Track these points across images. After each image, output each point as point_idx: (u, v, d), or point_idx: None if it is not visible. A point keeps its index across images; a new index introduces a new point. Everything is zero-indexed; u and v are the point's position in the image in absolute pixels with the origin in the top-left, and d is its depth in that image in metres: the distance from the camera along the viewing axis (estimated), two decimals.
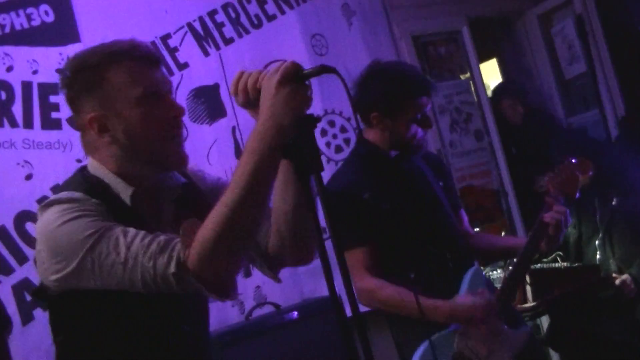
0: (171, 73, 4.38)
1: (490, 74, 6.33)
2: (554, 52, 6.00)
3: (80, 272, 1.76)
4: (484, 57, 6.02)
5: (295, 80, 1.65)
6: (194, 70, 4.46)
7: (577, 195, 3.10)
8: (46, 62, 4.05)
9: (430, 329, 2.86)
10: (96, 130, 1.88)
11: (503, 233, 4.72)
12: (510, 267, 3.18)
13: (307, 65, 1.70)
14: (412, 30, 5.38)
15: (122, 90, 1.85)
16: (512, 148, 5.53)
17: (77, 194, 1.83)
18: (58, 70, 1.91)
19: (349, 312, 1.65)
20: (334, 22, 4.96)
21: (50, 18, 4.11)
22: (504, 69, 6.17)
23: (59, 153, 4.03)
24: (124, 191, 1.88)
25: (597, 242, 4.32)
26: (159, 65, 1.93)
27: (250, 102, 1.74)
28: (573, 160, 3.12)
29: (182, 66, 4.44)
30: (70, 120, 1.98)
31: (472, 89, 5.61)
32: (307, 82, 1.68)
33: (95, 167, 1.93)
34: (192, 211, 1.85)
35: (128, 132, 1.86)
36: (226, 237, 1.66)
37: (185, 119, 4.38)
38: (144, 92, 1.86)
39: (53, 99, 4.05)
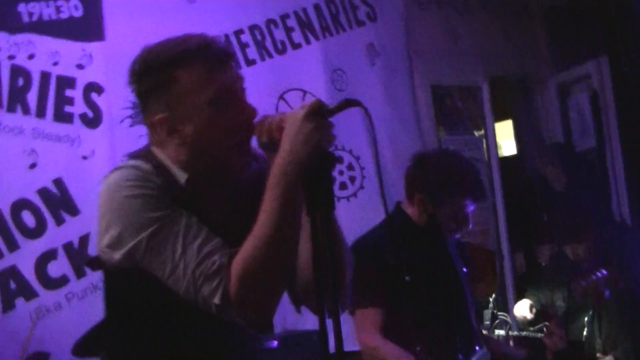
0: None
1: (504, 134, 6.33)
2: (567, 123, 6.01)
3: (131, 253, 1.74)
4: (499, 116, 6.03)
5: (319, 116, 1.67)
6: None
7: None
8: (67, 56, 4.10)
9: None
10: (165, 131, 1.83)
11: (493, 296, 4.72)
12: None
13: (324, 98, 1.74)
14: (433, 80, 5.40)
15: (191, 94, 1.80)
16: (544, 214, 5.47)
17: (147, 166, 1.81)
18: (129, 69, 1.86)
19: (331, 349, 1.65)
20: (357, 60, 4.98)
21: (78, 12, 4.15)
22: (518, 131, 6.19)
23: (66, 147, 4.07)
24: (181, 176, 1.84)
25: (585, 319, 4.31)
26: (230, 62, 1.87)
27: (274, 142, 1.73)
28: (603, 273, 3.13)
29: None
30: (142, 114, 1.89)
31: (484, 146, 5.62)
32: (330, 120, 1.69)
33: (157, 152, 1.88)
34: (250, 206, 1.78)
35: (196, 137, 1.81)
36: (263, 271, 1.67)
37: None
38: (214, 97, 1.80)
39: (69, 92, 4.10)
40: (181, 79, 1.80)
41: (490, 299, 4.76)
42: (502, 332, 4.52)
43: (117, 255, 1.75)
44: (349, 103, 1.69)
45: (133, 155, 1.90)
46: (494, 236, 5.57)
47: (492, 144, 5.64)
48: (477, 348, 3.10)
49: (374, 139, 2.70)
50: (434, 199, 3.02)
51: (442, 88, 5.49)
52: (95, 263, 1.87)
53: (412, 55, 5.26)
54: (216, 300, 1.68)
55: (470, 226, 3.12)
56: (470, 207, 3.06)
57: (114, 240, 1.75)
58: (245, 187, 1.90)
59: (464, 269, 3.20)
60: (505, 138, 6.38)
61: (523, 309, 4.76)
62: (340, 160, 1.77)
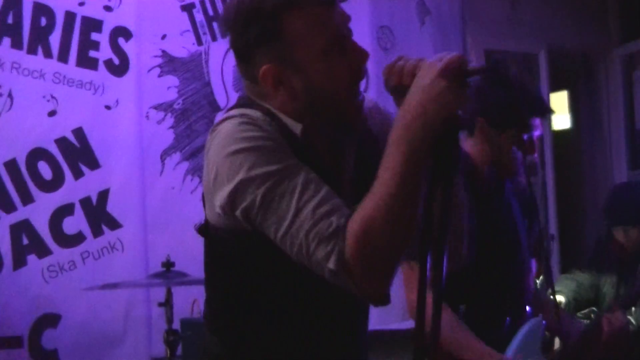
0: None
1: (559, 106, 6.21)
2: (631, 98, 5.87)
3: (247, 212, 1.68)
4: (554, 87, 5.90)
5: (457, 75, 1.56)
6: None
7: None
8: None
9: None
10: (271, 84, 1.76)
11: (540, 278, 4.62)
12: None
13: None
14: (487, 45, 5.34)
15: (303, 42, 1.73)
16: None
17: (259, 114, 1.74)
18: (222, 17, 1.85)
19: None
20: (406, 17, 4.89)
21: None
22: (574, 104, 6.09)
23: (89, 95, 3.99)
24: (294, 126, 1.78)
25: (633, 309, 4.13)
26: (336, 2, 1.78)
27: (403, 88, 1.64)
28: None
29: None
30: (241, 69, 1.82)
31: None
32: (468, 80, 1.59)
33: (261, 102, 1.81)
34: (372, 162, 1.71)
35: (309, 89, 1.76)
36: (384, 233, 1.58)
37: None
38: (329, 42, 1.73)
39: (95, 36, 4.02)
40: (290, 25, 1.73)
41: (538, 281, 4.50)
42: None
43: (233, 215, 1.70)
44: (493, 70, 1.61)
45: (239, 105, 1.83)
46: (543, 214, 5.47)
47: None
48: (528, 311, 2.96)
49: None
50: (497, 121, 2.78)
51: (497, 53, 5.39)
52: (206, 228, 1.84)
53: (467, 17, 5.18)
54: (330, 264, 1.60)
55: (536, 154, 2.88)
56: (538, 129, 2.85)
57: (230, 199, 1.69)
58: (363, 140, 1.87)
59: (525, 221, 3.02)
60: (560, 112, 6.24)
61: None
62: (471, 123, 1.65)
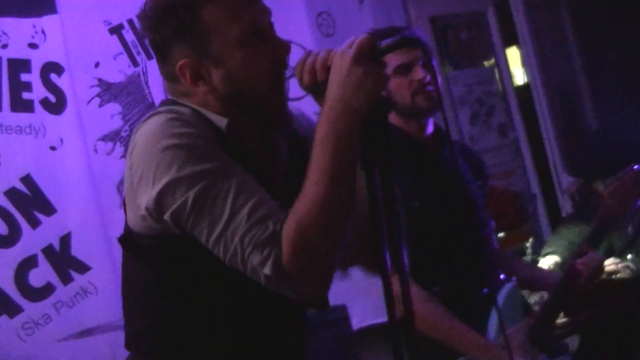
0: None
1: (515, 61, 6.16)
2: None
3: (177, 216, 1.65)
4: (508, 43, 5.86)
5: (371, 57, 1.59)
6: None
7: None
8: (17, 35, 3.88)
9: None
10: (189, 79, 1.76)
11: (530, 241, 4.61)
12: (547, 296, 3.10)
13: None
14: (431, 12, 5.27)
15: (219, 32, 1.74)
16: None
17: (185, 109, 1.74)
18: (139, 14, 1.81)
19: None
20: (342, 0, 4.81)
21: None
22: (526, 59, 5.96)
23: (31, 139, 3.88)
24: (220, 121, 1.77)
25: (629, 257, 4.14)
26: None
27: (318, 85, 1.65)
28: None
29: None
30: (163, 71, 1.84)
31: (497, 77, 5.52)
32: (383, 59, 1.62)
33: (184, 101, 1.80)
34: (301, 170, 1.71)
35: (228, 81, 1.76)
36: (319, 236, 1.58)
37: None
38: (246, 31, 1.74)
39: (25, 77, 3.90)
40: (206, 16, 1.75)
41: (527, 244, 4.64)
42: None
43: (160, 219, 1.67)
44: (405, 42, 1.68)
45: (165, 104, 1.82)
46: (521, 175, 5.48)
47: (506, 74, 5.55)
48: (501, 276, 2.94)
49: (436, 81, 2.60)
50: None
51: (442, 18, 5.38)
52: (128, 237, 1.80)
53: None
54: (267, 270, 1.59)
55: (428, 77, 2.75)
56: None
57: (157, 201, 1.66)
58: (293, 140, 1.89)
59: (478, 182, 2.98)
60: (518, 66, 6.18)
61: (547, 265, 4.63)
62: (394, 104, 1.67)
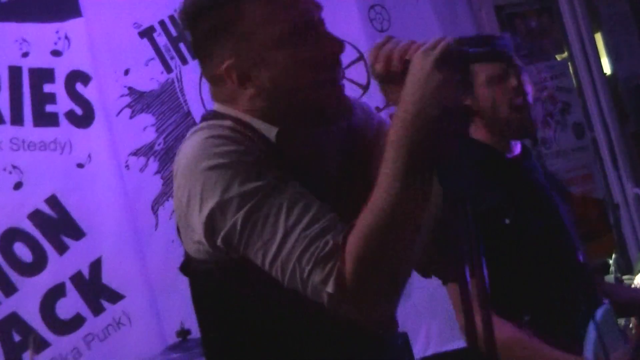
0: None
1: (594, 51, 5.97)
2: None
3: (228, 239, 1.65)
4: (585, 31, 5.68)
5: (455, 62, 1.56)
6: None
7: None
8: (39, 42, 3.83)
9: None
10: (236, 81, 1.74)
11: (613, 257, 4.37)
12: None
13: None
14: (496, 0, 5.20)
15: (262, 29, 1.73)
16: None
17: (228, 123, 1.72)
18: (179, 12, 1.84)
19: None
20: None
21: None
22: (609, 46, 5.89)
23: (56, 155, 3.83)
24: (268, 131, 1.75)
25: None
26: None
27: (390, 75, 1.63)
28: None
29: None
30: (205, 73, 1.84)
31: (571, 71, 5.41)
32: (468, 67, 1.61)
33: (228, 109, 1.79)
34: (359, 165, 1.77)
35: (275, 81, 1.73)
36: (386, 252, 1.56)
37: None
38: (290, 29, 1.73)
39: (48, 88, 3.85)
40: (248, 12, 1.74)
41: (610, 261, 4.40)
42: None
43: (215, 245, 1.67)
44: (494, 55, 1.75)
45: (204, 119, 1.82)
46: (601, 180, 5.34)
47: (582, 67, 5.41)
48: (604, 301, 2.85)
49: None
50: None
51: (509, 6, 5.31)
52: (188, 265, 1.81)
53: None
54: (329, 288, 1.56)
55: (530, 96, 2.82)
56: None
57: (207, 227, 1.66)
58: (351, 140, 1.87)
59: (567, 207, 2.93)
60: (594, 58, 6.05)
61: None
62: (476, 113, 1.68)
